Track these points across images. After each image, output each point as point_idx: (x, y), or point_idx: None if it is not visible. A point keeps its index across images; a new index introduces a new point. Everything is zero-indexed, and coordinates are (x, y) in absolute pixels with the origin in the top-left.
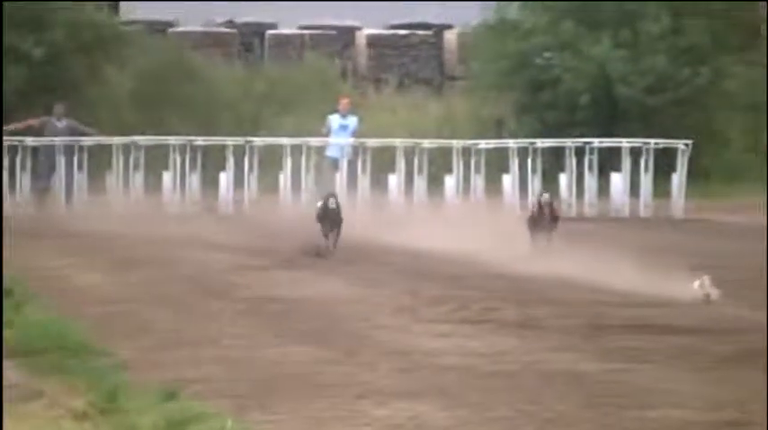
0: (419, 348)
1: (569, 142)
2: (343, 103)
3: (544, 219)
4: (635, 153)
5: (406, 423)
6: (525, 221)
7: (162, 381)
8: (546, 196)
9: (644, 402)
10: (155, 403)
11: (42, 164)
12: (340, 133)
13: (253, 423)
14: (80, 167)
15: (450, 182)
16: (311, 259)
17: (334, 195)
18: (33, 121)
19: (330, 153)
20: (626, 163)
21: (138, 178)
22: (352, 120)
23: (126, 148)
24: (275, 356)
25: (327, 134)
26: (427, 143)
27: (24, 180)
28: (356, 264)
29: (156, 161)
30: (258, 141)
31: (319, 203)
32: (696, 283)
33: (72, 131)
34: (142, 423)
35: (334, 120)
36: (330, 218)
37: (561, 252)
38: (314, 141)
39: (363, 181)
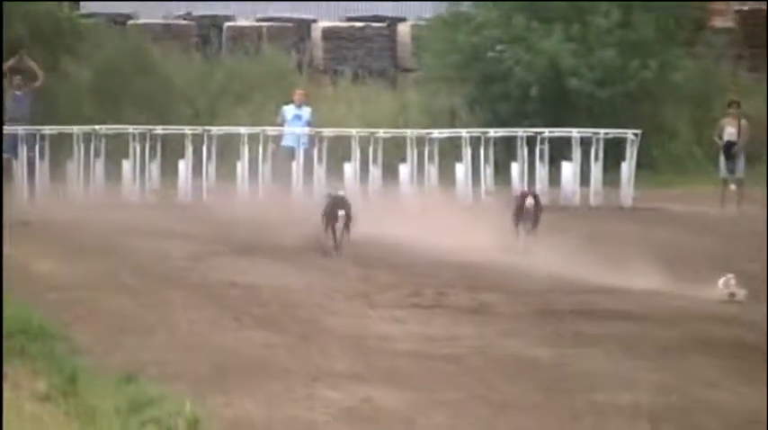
0: (373, 333)
1: (521, 132)
2: (298, 94)
3: (528, 212)
4: (585, 143)
5: (359, 405)
6: (511, 215)
7: (120, 365)
8: (532, 189)
9: (592, 386)
10: (114, 386)
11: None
12: (294, 123)
13: (210, 405)
14: (41, 156)
15: (404, 170)
16: (267, 247)
17: (341, 191)
18: None
19: (286, 142)
20: (576, 152)
21: (98, 166)
22: (306, 111)
23: (87, 137)
24: (231, 341)
25: (282, 124)
26: (382, 133)
27: None
28: (311, 252)
29: (116, 150)
30: (216, 130)
31: (326, 199)
32: (720, 282)
33: (31, 96)
34: (103, 405)
35: (289, 110)
36: (337, 215)
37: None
38: (271, 131)
39: (319, 170)
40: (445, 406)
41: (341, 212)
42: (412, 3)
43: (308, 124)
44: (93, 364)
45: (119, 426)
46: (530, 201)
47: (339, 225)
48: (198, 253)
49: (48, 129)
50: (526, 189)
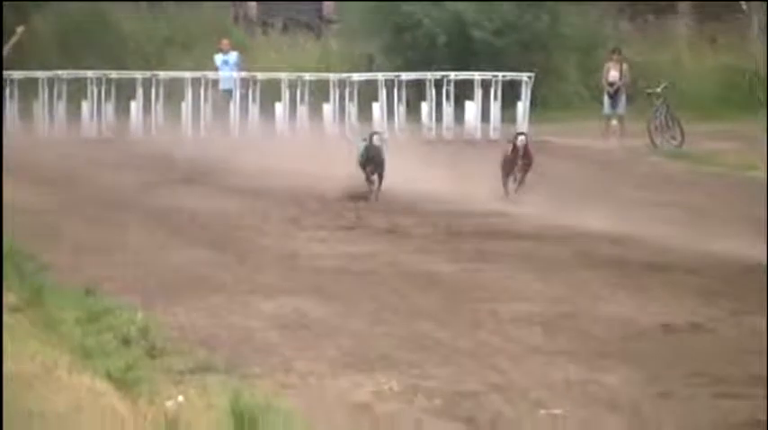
0: (301, 251)
1: (429, 75)
2: (224, 43)
3: (517, 160)
4: (485, 85)
5: (290, 314)
6: (500, 163)
7: (80, 281)
8: (522, 138)
9: (492, 297)
10: (75, 299)
11: None
12: (224, 68)
13: (159, 315)
14: (11, 97)
15: (327, 109)
16: (207, 175)
17: (378, 134)
18: None
19: (224, 86)
20: (478, 93)
21: (60, 107)
22: (233, 56)
23: (50, 81)
24: (177, 259)
25: (217, 70)
26: (308, 76)
27: None
28: (248, 181)
29: (75, 92)
30: (163, 75)
31: (361, 145)
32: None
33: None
34: (66, 315)
35: (218, 58)
36: (374, 161)
37: (425, 169)
38: (211, 75)
39: (253, 109)
40: (364, 314)
41: (370, 167)
42: None
43: (237, 66)
44: (57, 280)
45: (79, 334)
46: (521, 139)
47: (374, 174)
48: (148, 182)
49: (16, 74)
50: (519, 139)
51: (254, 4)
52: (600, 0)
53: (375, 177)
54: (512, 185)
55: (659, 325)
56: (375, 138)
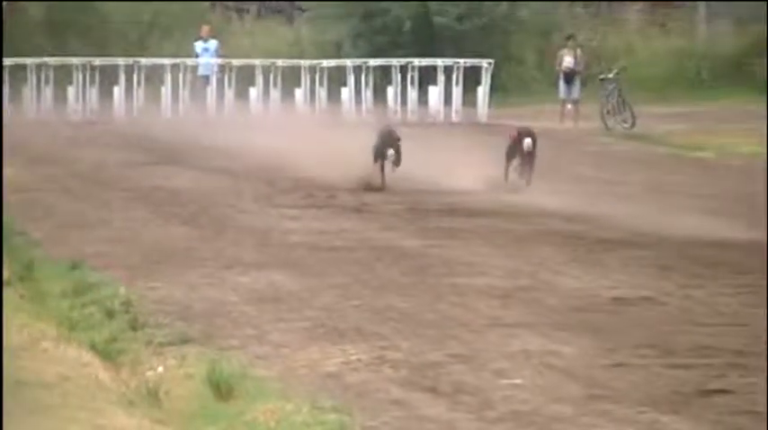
0: (274, 228)
1: (395, 61)
2: (204, 29)
3: (521, 151)
4: (448, 70)
5: (264, 288)
6: (504, 152)
7: (67, 256)
8: (527, 129)
9: (455, 271)
10: (62, 273)
11: None
12: (204, 55)
13: (141, 289)
14: (1, 82)
15: (299, 94)
16: (185, 156)
17: (391, 129)
18: None
19: (201, 72)
20: (440, 78)
21: (47, 92)
22: (212, 43)
23: (38, 68)
24: (158, 235)
25: (196, 56)
26: (281, 62)
27: None
28: (223, 161)
29: (62, 78)
30: (144, 61)
31: (378, 137)
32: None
33: None
34: (53, 288)
35: (198, 45)
36: (387, 152)
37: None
38: (189, 61)
39: (229, 93)
40: (334, 288)
41: (390, 151)
42: None
43: (216, 53)
44: (45, 255)
45: (66, 307)
46: (527, 141)
47: (387, 162)
48: (130, 162)
49: (7, 61)
50: (522, 129)
51: None
52: None
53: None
54: (513, 175)
55: (613, 298)
56: (393, 130)
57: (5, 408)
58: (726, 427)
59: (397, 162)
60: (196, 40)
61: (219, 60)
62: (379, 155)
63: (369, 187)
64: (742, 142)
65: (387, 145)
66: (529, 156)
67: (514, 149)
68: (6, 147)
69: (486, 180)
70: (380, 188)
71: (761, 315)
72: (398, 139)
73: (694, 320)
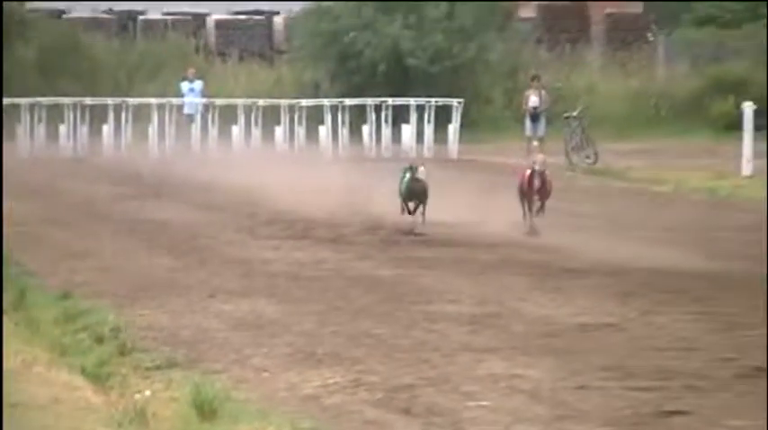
0: (255, 258)
1: (370, 101)
2: (190, 71)
3: (534, 189)
4: (420, 109)
5: (246, 315)
6: (517, 191)
7: (59, 285)
8: (538, 165)
9: (426, 298)
10: (54, 301)
11: None
12: (189, 94)
13: (128, 316)
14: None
15: (279, 132)
16: (171, 190)
17: (417, 168)
18: None
19: (187, 110)
20: (413, 117)
21: (40, 129)
22: (198, 84)
23: (31, 107)
24: (145, 265)
25: (182, 96)
26: (261, 102)
27: None
28: (207, 195)
29: (54, 117)
30: (132, 101)
31: (404, 178)
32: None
33: None
34: (45, 316)
35: (185, 85)
36: (416, 193)
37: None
38: (175, 101)
39: (212, 131)
40: (313, 314)
41: (414, 201)
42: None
43: (201, 93)
44: (38, 284)
45: (57, 333)
46: (537, 182)
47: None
48: (119, 196)
49: (3, 100)
50: (534, 168)
51: (213, 35)
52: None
53: (420, 209)
54: (528, 214)
55: (577, 324)
56: (420, 171)
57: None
58: None
59: (423, 201)
60: (182, 80)
61: (204, 100)
62: (412, 194)
63: (406, 232)
64: (699, 177)
65: (415, 187)
66: (539, 194)
67: (527, 188)
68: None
69: (456, 213)
70: (415, 232)
71: (717, 340)
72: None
73: (654, 345)
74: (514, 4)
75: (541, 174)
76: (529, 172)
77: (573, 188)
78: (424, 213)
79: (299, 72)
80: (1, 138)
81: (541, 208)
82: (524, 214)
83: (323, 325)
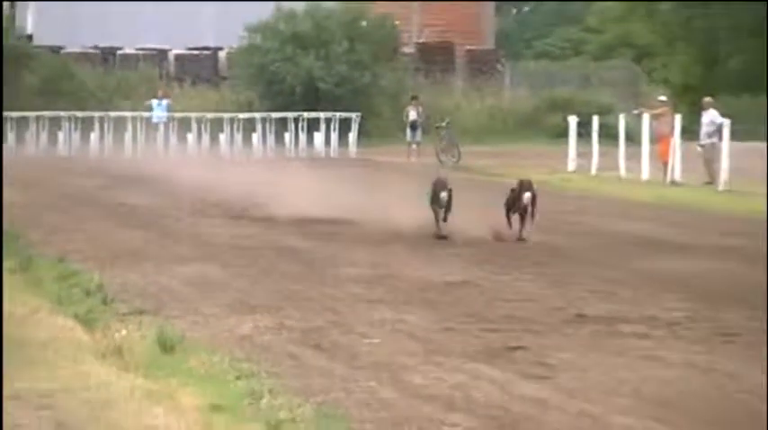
0: (205, 233)
1: (290, 115)
2: (159, 92)
3: (521, 203)
4: (328, 121)
5: (198, 275)
6: (504, 203)
7: (55, 253)
8: (528, 180)
9: (333, 264)
10: (52, 264)
11: None
12: (158, 109)
13: (109, 275)
14: (11, 129)
15: (222, 138)
16: (142, 182)
17: (445, 180)
18: None
19: (154, 121)
20: (323, 127)
21: (43, 136)
22: (165, 102)
23: (36, 119)
24: (121, 237)
25: (151, 110)
26: (209, 115)
27: None
28: (168, 186)
29: (53, 126)
30: (113, 114)
31: (436, 189)
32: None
33: None
34: (46, 276)
35: (155, 103)
36: (443, 201)
37: (289, 179)
38: (146, 114)
39: (172, 138)
40: (247, 276)
41: (443, 194)
42: (227, 37)
43: (168, 108)
44: (39, 252)
45: (56, 289)
46: (527, 196)
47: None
48: (102, 186)
49: (14, 114)
50: (523, 182)
51: (173, 65)
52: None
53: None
54: (517, 225)
55: (444, 281)
56: (447, 180)
57: (13, 361)
58: (523, 374)
59: (448, 207)
60: (153, 98)
61: (167, 114)
62: (435, 200)
63: (436, 235)
64: (537, 172)
65: (440, 190)
66: (529, 207)
67: (514, 201)
68: (11, 176)
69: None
70: (438, 232)
71: (549, 294)
72: (450, 188)
73: (500, 297)
74: (399, 43)
75: (529, 188)
76: (518, 184)
77: None
78: (446, 215)
79: (238, 93)
80: (1, 140)
81: (531, 220)
82: (509, 223)
83: (255, 283)
